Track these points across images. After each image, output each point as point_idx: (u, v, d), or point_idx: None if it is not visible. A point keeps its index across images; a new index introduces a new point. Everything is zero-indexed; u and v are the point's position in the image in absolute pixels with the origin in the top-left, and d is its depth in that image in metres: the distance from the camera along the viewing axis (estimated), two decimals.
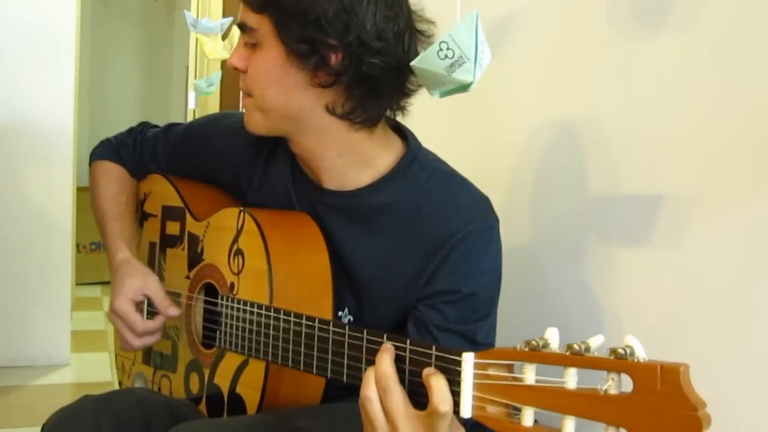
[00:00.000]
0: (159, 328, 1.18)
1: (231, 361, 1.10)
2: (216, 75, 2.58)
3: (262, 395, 1.04)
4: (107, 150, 1.38)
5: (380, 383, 0.78)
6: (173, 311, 1.18)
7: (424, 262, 1.04)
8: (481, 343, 1.02)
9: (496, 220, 1.08)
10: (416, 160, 1.11)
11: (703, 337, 1.06)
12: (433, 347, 0.77)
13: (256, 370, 1.06)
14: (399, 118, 1.15)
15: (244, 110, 1.13)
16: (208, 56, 2.60)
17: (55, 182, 3.12)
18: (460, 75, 0.95)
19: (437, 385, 0.74)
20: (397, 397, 0.78)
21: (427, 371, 0.77)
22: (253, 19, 1.04)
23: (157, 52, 5.93)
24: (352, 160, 1.10)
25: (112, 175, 1.36)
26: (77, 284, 4.29)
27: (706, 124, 1.07)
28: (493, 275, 1.07)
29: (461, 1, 1.03)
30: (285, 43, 1.02)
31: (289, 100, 1.06)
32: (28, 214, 3.09)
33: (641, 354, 0.65)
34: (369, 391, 0.79)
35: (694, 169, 1.08)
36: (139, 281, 1.18)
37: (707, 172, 1.06)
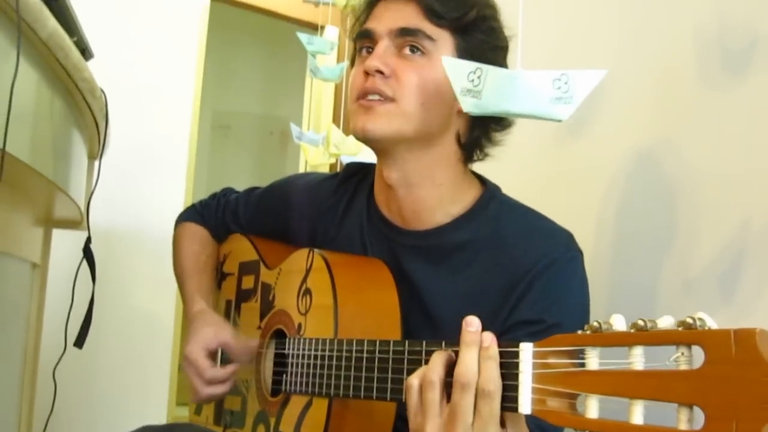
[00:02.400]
0: (228, 377, 1.16)
1: (296, 405, 1.06)
2: None
3: None
4: (191, 213, 1.42)
5: (427, 377, 0.75)
6: (246, 358, 1.16)
7: (507, 295, 1.00)
8: None
9: (580, 252, 1.04)
10: (495, 198, 1.11)
11: None
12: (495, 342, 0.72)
13: (319, 410, 1.01)
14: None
15: (366, 112, 1.05)
16: (310, 162, 2.72)
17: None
18: (559, 111, 0.93)
19: (486, 368, 0.71)
20: (470, 392, 0.72)
21: (464, 330, 0.75)
22: (432, 30, 1.05)
23: (270, 180, 6.16)
24: (447, 193, 1.10)
25: (195, 236, 1.39)
26: (177, 404, 4.30)
27: None
28: (580, 307, 1.01)
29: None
30: None
31: (436, 120, 1.05)
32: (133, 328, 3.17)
33: (713, 325, 0.58)
34: (434, 375, 0.75)
35: None
36: (213, 330, 1.18)
37: None
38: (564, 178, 1.58)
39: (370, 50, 1.07)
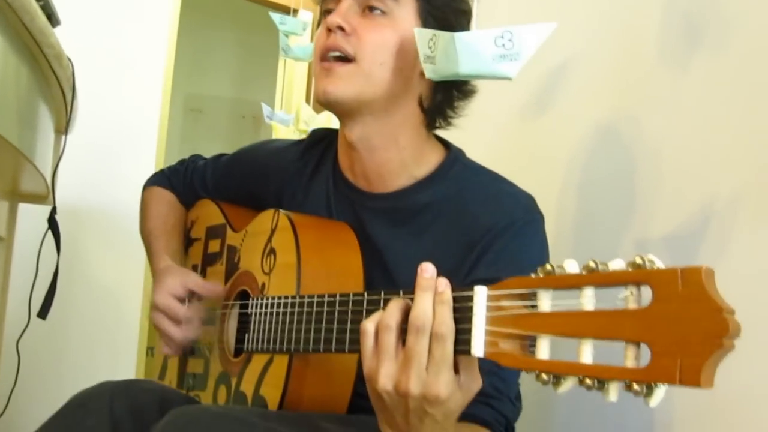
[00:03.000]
0: (197, 317, 1.16)
1: (257, 364, 1.07)
2: None
3: (283, 392, 0.99)
4: (160, 178, 1.42)
5: (383, 319, 0.76)
6: (217, 288, 1.17)
7: (466, 255, 1.01)
8: None
9: (541, 215, 1.06)
10: (458, 161, 1.12)
11: (756, 350, 0.97)
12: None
13: (279, 366, 1.01)
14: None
15: (326, 74, 1.06)
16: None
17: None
18: (504, 68, 0.94)
19: (441, 312, 0.72)
20: (423, 336, 0.73)
21: (419, 276, 0.75)
22: None
23: None
24: (410, 156, 1.10)
25: (162, 199, 1.39)
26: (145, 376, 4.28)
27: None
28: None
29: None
30: (423, 26, 1.04)
31: (397, 81, 1.06)
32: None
33: (661, 265, 0.60)
34: (391, 320, 0.75)
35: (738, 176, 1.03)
36: (179, 278, 1.17)
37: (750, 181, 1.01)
38: (529, 152, 1.59)
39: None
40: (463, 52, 0.96)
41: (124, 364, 3.23)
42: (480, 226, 1.02)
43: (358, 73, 1.04)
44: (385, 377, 0.75)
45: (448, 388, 0.72)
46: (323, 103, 1.07)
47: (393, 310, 0.75)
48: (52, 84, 1.93)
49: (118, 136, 3.37)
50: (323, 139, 1.24)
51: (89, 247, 3.20)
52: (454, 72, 0.95)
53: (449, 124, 1.14)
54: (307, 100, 3.38)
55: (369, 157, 1.11)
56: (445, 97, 1.11)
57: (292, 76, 4.22)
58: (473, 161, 1.14)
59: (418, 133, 1.11)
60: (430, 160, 1.11)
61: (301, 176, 1.21)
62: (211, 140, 6.16)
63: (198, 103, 6.13)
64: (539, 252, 1.04)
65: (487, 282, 0.95)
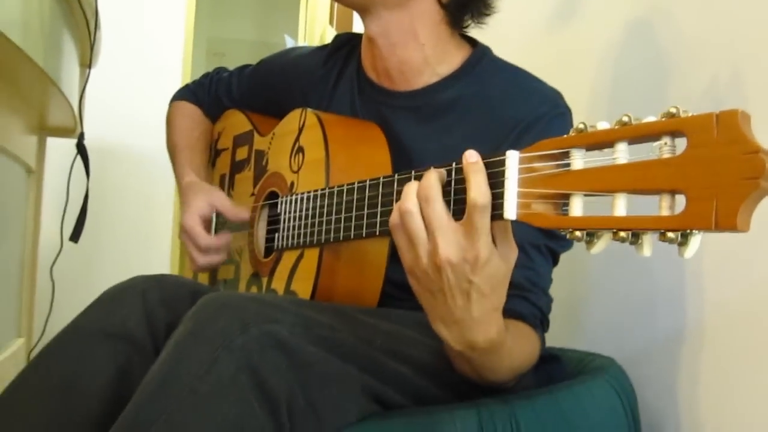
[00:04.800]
0: (223, 245, 1.18)
1: (287, 260, 1.08)
2: None
3: (315, 285, 1.00)
4: (185, 92, 1.43)
5: (421, 193, 0.73)
6: (243, 213, 1.17)
7: (494, 149, 1.00)
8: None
9: (568, 109, 1.05)
10: (485, 57, 1.12)
11: None
12: (479, 156, 0.72)
13: (309, 260, 1.02)
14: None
15: None
16: None
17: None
18: None
19: (474, 177, 0.70)
20: (439, 207, 0.72)
21: (466, 162, 0.71)
22: None
23: None
24: (433, 53, 1.10)
25: (187, 113, 1.39)
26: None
27: None
28: None
29: None
30: None
31: None
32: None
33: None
34: (408, 203, 0.74)
35: None
36: (205, 197, 1.19)
37: None
38: (560, 57, 1.57)
39: None
40: None
41: None
42: (508, 121, 1.02)
43: None
44: (424, 255, 0.74)
45: (487, 247, 0.71)
46: None
47: (408, 193, 0.75)
48: (76, 11, 1.93)
49: (142, 74, 3.39)
50: (347, 44, 1.24)
51: (117, 177, 3.24)
52: None
53: (479, 21, 1.13)
54: (331, 22, 3.35)
55: (390, 54, 1.10)
56: None
57: (315, 15, 4.19)
58: (500, 58, 1.13)
59: (438, 29, 1.10)
60: (455, 57, 1.11)
61: (326, 81, 1.21)
62: None
63: (220, 46, 6.12)
64: None
65: None
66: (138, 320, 0.99)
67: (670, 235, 0.58)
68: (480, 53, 1.12)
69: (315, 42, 3.48)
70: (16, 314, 2.24)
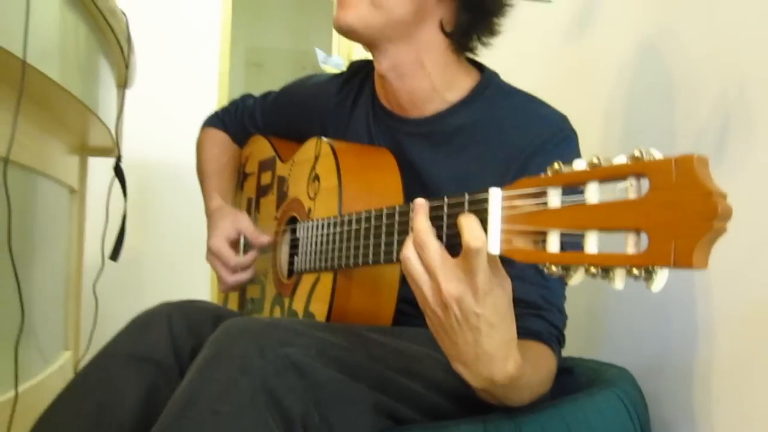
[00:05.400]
0: (250, 263, 1.25)
1: (306, 283, 1.14)
2: None
3: (330, 306, 1.06)
4: (213, 119, 1.51)
5: (416, 240, 0.78)
6: (264, 239, 1.24)
7: (503, 174, 1.05)
8: None
9: (574, 133, 1.09)
10: (492, 83, 1.16)
11: None
12: (466, 194, 0.77)
13: (325, 283, 1.08)
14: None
15: (339, 3, 1.12)
16: None
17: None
18: None
19: (467, 222, 0.74)
20: (433, 248, 0.77)
21: (459, 217, 0.76)
22: None
23: None
24: (441, 80, 1.14)
25: (216, 140, 1.47)
26: None
27: None
28: None
29: None
30: None
31: (408, 7, 1.10)
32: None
33: (659, 156, 0.63)
34: (407, 251, 0.79)
35: None
36: (230, 221, 1.27)
37: None
38: (574, 72, 1.61)
39: None
40: None
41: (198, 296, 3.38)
42: (515, 146, 1.06)
43: (362, 1, 1.09)
44: (430, 295, 0.78)
45: (487, 279, 0.75)
46: (340, 33, 1.13)
47: (407, 242, 0.79)
48: (109, 38, 2.03)
49: (179, 89, 3.48)
50: (361, 70, 1.29)
51: (156, 194, 3.34)
52: None
53: (484, 44, 1.17)
54: None
55: (400, 85, 1.15)
56: (472, 17, 1.13)
57: None
58: (507, 83, 1.18)
59: (444, 57, 1.14)
60: (463, 83, 1.15)
61: (342, 108, 1.27)
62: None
63: (258, 56, 6.20)
64: None
65: None
66: (164, 345, 1.07)
67: (635, 271, 0.62)
68: (487, 80, 1.16)
69: (347, 50, 3.55)
70: (62, 328, 2.34)
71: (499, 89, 1.15)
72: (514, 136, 1.07)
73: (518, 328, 0.92)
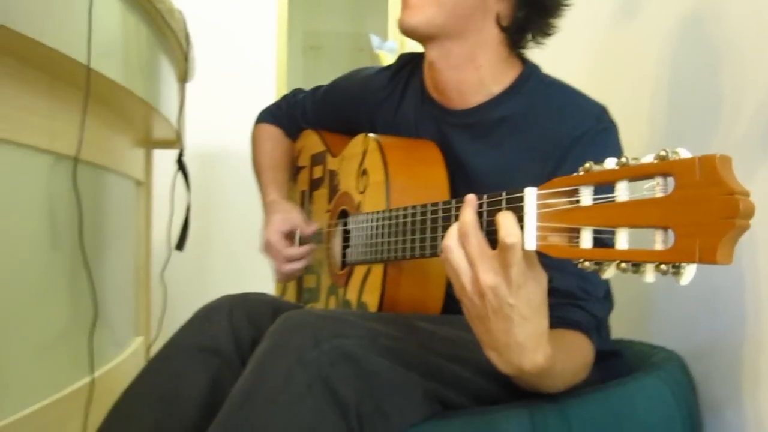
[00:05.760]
0: (303, 254, 1.30)
1: (358, 274, 1.19)
2: None
3: (381, 296, 1.10)
4: (266, 115, 1.56)
5: (461, 230, 0.81)
6: (312, 228, 1.32)
7: (543, 166, 1.08)
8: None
9: (613, 124, 1.10)
10: (534, 76, 1.18)
11: None
12: (504, 193, 0.80)
13: (376, 275, 1.13)
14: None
15: (405, 7, 1.15)
16: None
17: None
18: None
19: (503, 220, 0.77)
20: (474, 240, 0.80)
21: (497, 214, 0.80)
22: None
23: None
24: (488, 74, 1.18)
25: (269, 135, 1.52)
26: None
27: None
28: None
29: None
30: None
31: (469, 4, 1.13)
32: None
33: (686, 155, 0.65)
34: (449, 240, 0.82)
35: None
36: (283, 215, 1.32)
37: None
38: (622, 56, 1.62)
39: None
40: None
41: (262, 287, 3.46)
42: (554, 138, 1.09)
43: (429, 2, 1.12)
44: (468, 283, 0.82)
45: (522, 273, 0.78)
46: (404, 34, 1.16)
47: (450, 231, 0.83)
48: (169, 36, 2.10)
49: (238, 78, 3.56)
50: (410, 62, 1.33)
51: (220, 183, 3.43)
52: None
53: (539, 42, 1.19)
54: None
55: (448, 76, 1.19)
56: (529, 13, 1.16)
57: None
58: (548, 76, 1.20)
59: (497, 52, 1.17)
60: (507, 76, 1.18)
61: (390, 100, 1.31)
62: (332, 76, 6.27)
63: (316, 40, 6.24)
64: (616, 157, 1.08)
65: None
66: (226, 336, 1.13)
67: (663, 267, 0.65)
68: (529, 72, 1.18)
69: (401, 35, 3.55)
70: (134, 315, 2.45)
71: (539, 82, 1.17)
72: (553, 128, 1.10)
73: (557, 317, 0.96)
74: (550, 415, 0.98)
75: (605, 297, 1.09)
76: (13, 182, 1.38)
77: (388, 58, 2.95)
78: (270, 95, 3.69)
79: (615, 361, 1.19)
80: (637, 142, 1.50)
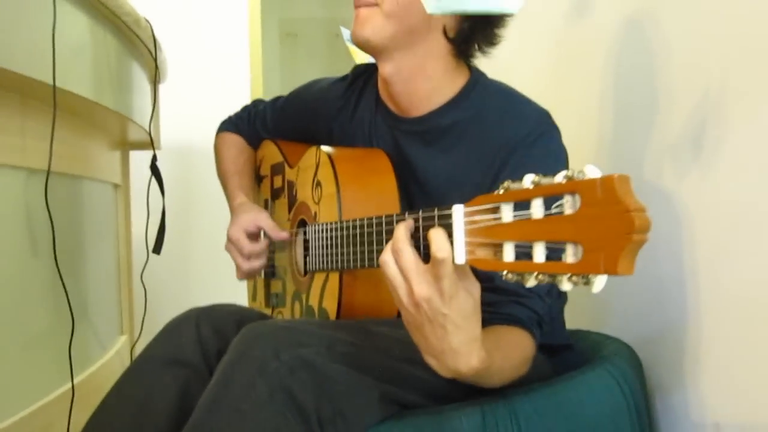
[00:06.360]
0: (262, 250, 1.37)
1: (318, 281, 1.24)
2: None
3: (339, 303, 1.16)
4: (228, 125, 1.61)
5: (394, 246, 0.86)
6: (284, 234, 1.36)
7: (487, 170, 1.14)
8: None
9: (554, 127, 1.16)
10: (479, 83, 1.23)
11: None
12: (436, 209, 0.85)
13: (333, 282, 1.18)
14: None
15: (356, 20, 1.20)
16: (357, 62, 2.84)
17: None
18: (508, 4, 1.03)
19: (434, 236, 0.82)
20: (407, 255, 0.85)
21: (429, 230, 0.85)
22: None
23: None
24: (438, 83, 1.23)
25: (232, 143, 1.57)
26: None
27: None
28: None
29: None
30: None
31: (415, 18, 1.17)
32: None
33: (593, 175, 0.70)
34: (385, 255, 0.87)
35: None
36: (251, 215, 1.38)
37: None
38: (573, 56, 1.67)
39: None
40: None
41: (240, 285, 3.50)
42: (497, 143, 1.14)
43: (377, 14, 1.18)
44: (404, 296, 0.86)
45: (453, 285, 0.83)
46: (358, 47, 1.22)
47: (386, 248, 0.88)
48: (138, 44, 2.13)
49: (213, 69, 3.58)
50: (364, 73, 1.38)
51: (198, 178, 3.46)
52: (457, 9, 1.05)
53: (484, 53, 1.24)
54: None
55: (401, 88, 1.24)
56: (474, 24, 1.20)
57: None
58: (493, 82, 1.24)
59: (445, 62, 1.22)
60: (455, 85, 1.23)
61: (346, 109, 1.36)
62: (310, 63, 6.27)
63: (292, 27, 6.23)
64: (554, 161, 1.14)
65: None
66: (193, 348, 1.19)
67: (575, 278, 0.70)
68: (475, 80, 1.23)
69: None
70: (118, 315, 2.50)
71: (484, 88, 1.22)
72: (496, 132, 1.15)
73: (500, 314, 1.02)
74: (500, 413, 1.03)
75: (548, 293, 1.13)
76: None
77: (358, 53, 2.98)
78: (245, 86, 3.72)
79: (567, 354, 1.25)
80: (587, 136, 1.56)
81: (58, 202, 1.66)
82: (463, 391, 1.07)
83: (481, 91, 1.21)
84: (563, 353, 1.24)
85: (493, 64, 1.30)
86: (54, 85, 1.45)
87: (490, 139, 1.15)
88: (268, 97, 1.60)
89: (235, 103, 3.70)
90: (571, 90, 1.69)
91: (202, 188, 3.51)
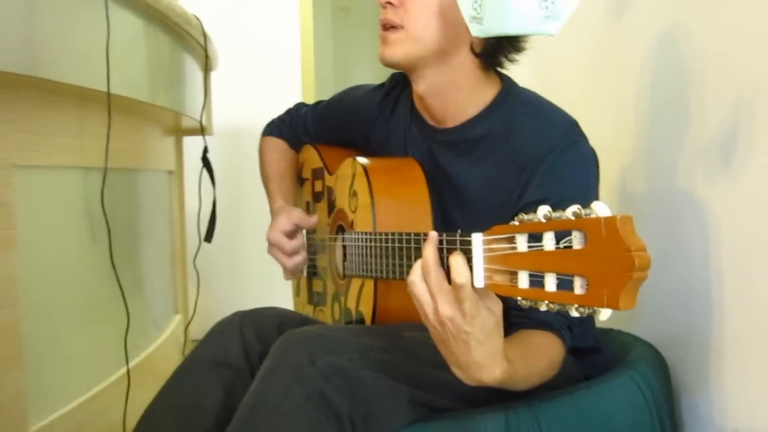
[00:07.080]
0: (302, 244, 1.45)
1: (355, 285, 1.31)
2: None
3: (374, 308, 1.22)
4: (272, 128, 1.68)
5: (423, 267, 0.91)
6: (313, 219, 1.44)
7: (517, 180, 1.18)
8: None
9: (582, 136, 1.19)
10: (510, 94, 1.27)
11: None
12: (458, 233, 0.90)
13: (369, 288, 1.25)
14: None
15: (383, 42, 1.24)
16: None
17: None
18: (549, 27, 1.08)
19: (454, 262, 0.87)
20: (434, 276, 0.90)
21: (450, 256, 0.90)
22: None
23: None
24: (469, 95, 1.27)
25: (275, 147, 1.64)
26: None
27: None
28: (581, 184, 1.17)
29: None
30: None
31: (444, 37, 1.22)
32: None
33: (603, 213, 0.75)
34: (413, 275, 0.93)
35: None
36: (284, 216, 1.45)
37: None
38: (608, 61, 1.69)
39: None
40: (510, 14, 1.09)
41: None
42: (525, 154, 1.18)
43: (405, 38, 1.22)
44: (430, 313, 0.92)
45: (474, 306, 0.88)
46: (385, 66, 1.27)
47: (415, 267, 0.93)
48: (189, 39, 2.21)
49: (263, 52, 3.63)
50: (401, 82, 1.42)
51: (248, 164, 3.52)
52: (501, 32, 1.09)
53: (511, 61, 1.28)
54: None
55: (434, 102, 1.29)
56: (499, 39, 1.23)
57: None
58: (524, 91, 1.28)
59: (474, 75, 1.26)
60: (486, 95, 1.27)
61: (382, 118, 1.42)
62: (364, 37, 6.27)
63: (344, 0, 6.22)
64: (582, 170, 1.17)
65: (537, 203, 1.12)
66: (237, 351, 1.28)
67: (581, 309, 0.75)
68: (506, 90, 1.27)
69: None
70: (173, 296, 2.62)
71: (515, 98, 1.26)
72: (525, 143, 1.19)
73: (530, 318, 1.07)
74: (523, 418, 1.09)
75: None
76: (52, 198, 1.53)
77: None
78: (296, 64, 3.75)
79: (595, 357, 1.30)
80: (623, 140, 1.59)
81: (116, 195, 1.76)
82: (491, 393, 1.13)
83: (511, 102, 1.25)
84: (591, 356, 1.29)
85: (529, 71, 1.33)
86: (108, 92, 1.54)
87: (519, 149, 1.19)
88: (320, 76, 1.65)
89: (286, 84, 3.76)
90: (606, 96, 1.72)
91: (253, 171, 3.58)
